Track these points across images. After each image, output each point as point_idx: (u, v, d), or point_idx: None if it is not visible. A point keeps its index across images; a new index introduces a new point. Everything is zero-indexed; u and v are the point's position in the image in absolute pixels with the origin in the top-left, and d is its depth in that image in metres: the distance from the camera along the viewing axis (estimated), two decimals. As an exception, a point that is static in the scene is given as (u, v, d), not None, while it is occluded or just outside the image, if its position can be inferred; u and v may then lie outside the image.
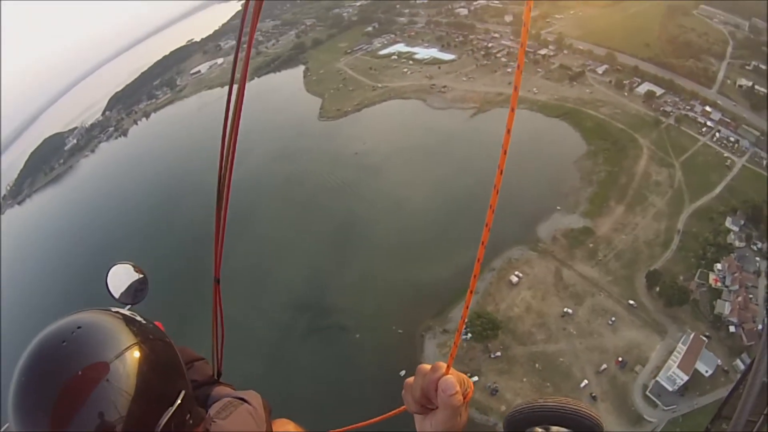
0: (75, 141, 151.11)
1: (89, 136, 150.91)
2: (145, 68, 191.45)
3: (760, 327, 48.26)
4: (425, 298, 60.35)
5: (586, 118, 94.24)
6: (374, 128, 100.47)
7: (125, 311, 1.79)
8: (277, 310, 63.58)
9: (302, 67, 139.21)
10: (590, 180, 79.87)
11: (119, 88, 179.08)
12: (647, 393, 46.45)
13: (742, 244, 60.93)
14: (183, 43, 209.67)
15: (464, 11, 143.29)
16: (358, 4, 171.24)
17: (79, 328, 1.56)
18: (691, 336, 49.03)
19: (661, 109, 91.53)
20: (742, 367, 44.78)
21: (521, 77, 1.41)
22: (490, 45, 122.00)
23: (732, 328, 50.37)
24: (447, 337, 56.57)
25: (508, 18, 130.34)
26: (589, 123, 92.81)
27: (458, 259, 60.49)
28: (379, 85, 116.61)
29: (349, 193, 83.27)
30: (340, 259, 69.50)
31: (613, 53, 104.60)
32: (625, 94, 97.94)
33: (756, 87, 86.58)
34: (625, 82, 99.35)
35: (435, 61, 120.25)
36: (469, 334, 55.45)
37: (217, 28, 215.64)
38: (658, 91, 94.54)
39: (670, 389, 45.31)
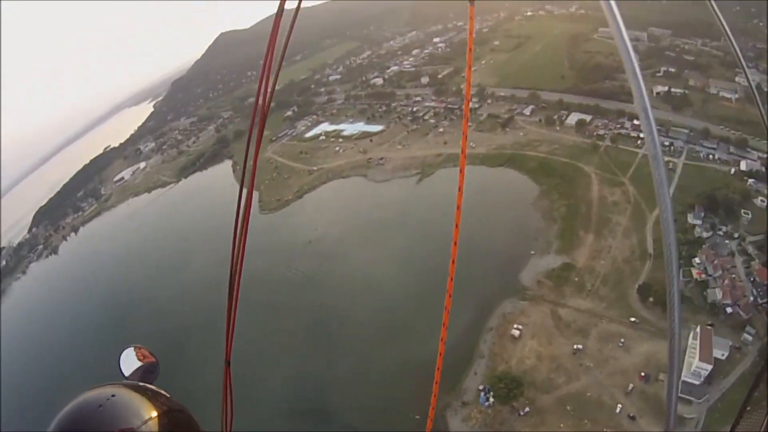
0: (4, 263, 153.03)
1: (18, 257, 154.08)
2: (67, 179, 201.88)
3: (751, 299, 59.38)
4: (429, 374, 65.37)
5: (528, 160, 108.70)
6: (322, 213, 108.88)
7: (152, 386, 2.44)
8: (274, 424, 65.50)
9: (229, 162, 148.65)
10: (553, 217, 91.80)
11: (43, 203, 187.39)
12: (679, 394, 54.17)
13: (710, 234, 74.71)
14: (101, 151, 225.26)
15: (380, 80, 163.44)
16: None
17: (113, 396, 2.05)
18: (698, 329, 58.51)
19: (595, 134, 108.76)
20: (750, 339, 54.69)
21: (466, 143, 2.00)
22: (414, 109, 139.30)
23: (729, 309, 61.69)
24: (469, 408, 61.84)
25: (424, 80, 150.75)
26: (533, 164, 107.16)
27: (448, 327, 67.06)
28: (315, 168, 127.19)
29: (315, 285, 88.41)
30: (325, 355, 73.34)
31: (535, 92, 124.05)
32: (557, 128, 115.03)
33: (672, 90, 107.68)
34: (554, 117, 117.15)
35: (364, 135, 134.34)
36: (491, 399, 61.47)
37: (132, 131, 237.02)
38: (587, 117, 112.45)
39: (698, 383, 53.66)
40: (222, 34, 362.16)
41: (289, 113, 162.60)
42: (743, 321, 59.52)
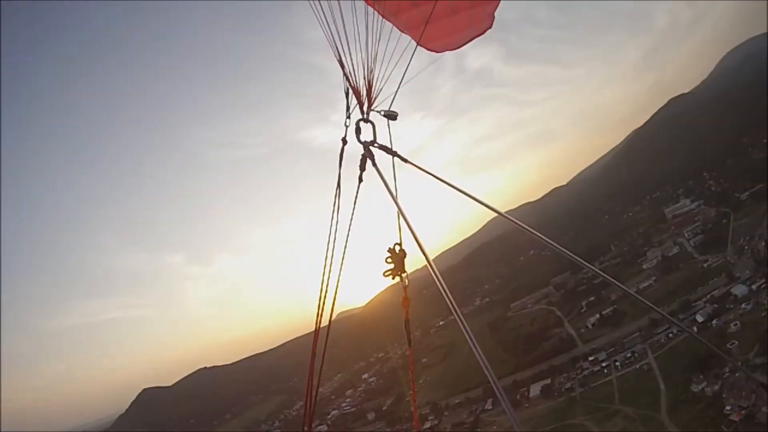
0: None
1: None
2: None
3: None
4: None
5: None
6: None
7: None
8: None
9: None
10: None
11: None
12: None
13: (718, 385, 78.72)
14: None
15: (324, 428, 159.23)
16: None
17: None
18: None
19: (563, 389, 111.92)
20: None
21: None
22: None
23: None
24: None
25: (370, 416, 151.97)
26: None
27: None
28: None
29: None
30: None
31: (486, 387, 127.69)
32: (526, 405, 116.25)
33: (602, 313, 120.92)
34: (517, 398, 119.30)
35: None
36: None
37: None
38: (548, 381, 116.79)
39: None
40: (145, 389, 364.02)
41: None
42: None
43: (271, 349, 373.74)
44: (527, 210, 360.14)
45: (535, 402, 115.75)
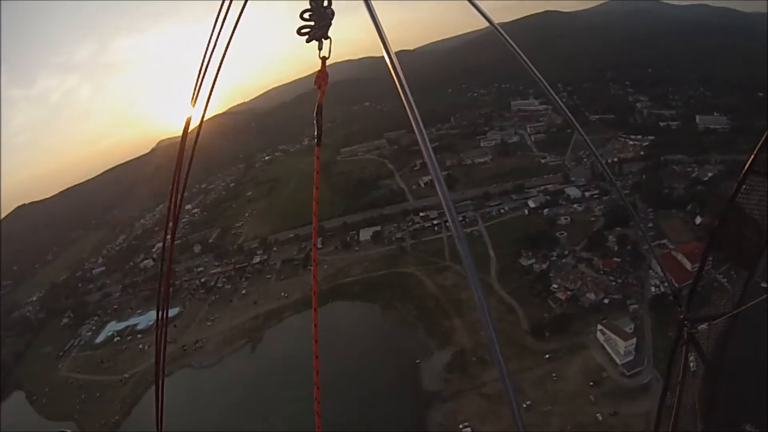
0: None
1: None
2: None
3: (613, 283, 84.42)
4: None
5: (349, 287, 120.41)
6: (167, 426, 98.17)
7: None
8: None
9: (21, 393, 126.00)
10: (411, 323, 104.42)
11: None
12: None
13: (546, 264, 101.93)
14: None
15: (150, 262, 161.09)
16: (35, 298, 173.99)
17: None
18: (599, 328, 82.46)
19: (394, 238, 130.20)
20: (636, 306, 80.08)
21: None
22: (203, 280, 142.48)
23: (606, 301, 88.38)
24: None
25: (197, 249, 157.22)
26: (357, 288, 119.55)
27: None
28: (127, 375, 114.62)
29: None
30: None
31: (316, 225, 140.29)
32: (357, 248, 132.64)
33: None
34: (347, 239, 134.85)
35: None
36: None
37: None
38: (378, 228, 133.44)
39: (633, 356, 77.01)
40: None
41: (66, 320, 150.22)
42: (621, 300, 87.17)
43: (89, 180, 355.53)
44: (369, 62, 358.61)
45: (366, 246, 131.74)
